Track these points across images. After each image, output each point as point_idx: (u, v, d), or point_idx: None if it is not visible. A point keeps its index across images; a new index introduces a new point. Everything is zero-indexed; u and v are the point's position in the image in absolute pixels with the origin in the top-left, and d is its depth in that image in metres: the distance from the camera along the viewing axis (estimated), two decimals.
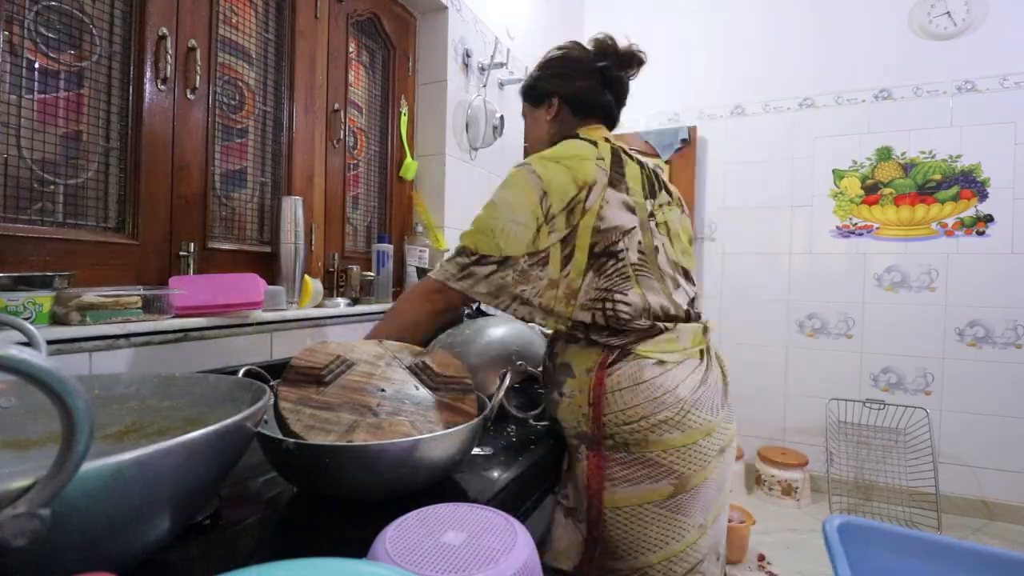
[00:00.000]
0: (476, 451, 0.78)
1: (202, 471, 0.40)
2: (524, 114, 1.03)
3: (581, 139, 0.89)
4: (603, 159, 0.85)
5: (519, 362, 0.90)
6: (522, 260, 0.80)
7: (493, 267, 0.81)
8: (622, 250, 0.81)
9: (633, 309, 0.81)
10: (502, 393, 0.69)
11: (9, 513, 0.28)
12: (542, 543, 0.87)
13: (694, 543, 0.80)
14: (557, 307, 0.82)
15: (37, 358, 0.26)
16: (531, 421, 0.90)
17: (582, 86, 0.95)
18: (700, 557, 0.80)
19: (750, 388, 2.77)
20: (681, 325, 0.84)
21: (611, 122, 0.98)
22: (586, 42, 0.97)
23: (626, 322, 0.81)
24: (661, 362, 0.80)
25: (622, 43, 0.95)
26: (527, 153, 1.03)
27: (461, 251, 0.84)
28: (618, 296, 0.81)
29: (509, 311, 0.83)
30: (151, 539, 0.38)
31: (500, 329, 1.00)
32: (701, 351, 0.85)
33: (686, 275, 0.91)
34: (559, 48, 0.99)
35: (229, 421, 0.40)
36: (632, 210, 0.84)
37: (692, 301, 0.91)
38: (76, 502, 0.31)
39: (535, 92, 0.99)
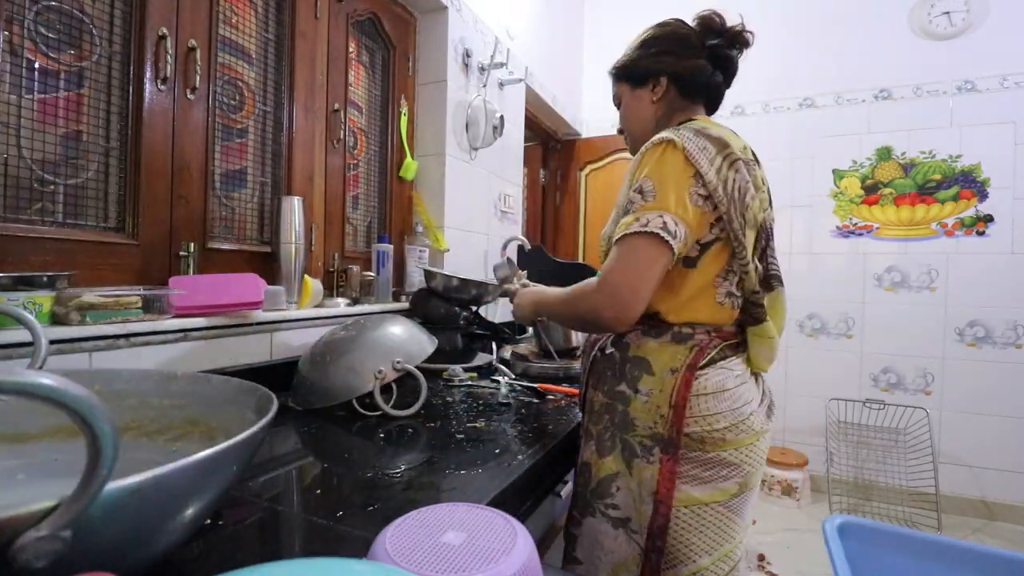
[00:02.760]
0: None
1: (216, 483, 0.40)
2: (619, 97, 0.97)
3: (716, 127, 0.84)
4: (741, 145, 0.84)
5: (397, 360, 0.94)
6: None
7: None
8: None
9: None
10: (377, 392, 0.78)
11: (32, 536, 0.28)
12: (542, 543, 0.87)
13: (740, 544, 0.81)
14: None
15: (67, 385, 0.26)
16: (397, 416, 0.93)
17: (691, 65, 0.89)
18: (739, 556, 0.82)
19: None
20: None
21: (714, 106, 0.96)
22: (690, 20, 0.94)
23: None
24: (741, 375, 0.81)
25: (731, 21, 0.91)
26: (631, 139, 0.97)
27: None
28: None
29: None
30: (163, 547, 0.39)
31: (381, 330, 1.03)
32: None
33: None
34: (661, 25, 0.94)
35: (247, 434, 0.40)
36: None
37: None
38: (93, 521, 0.31)
39: (637, 71, 0.92)
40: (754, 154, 0.88)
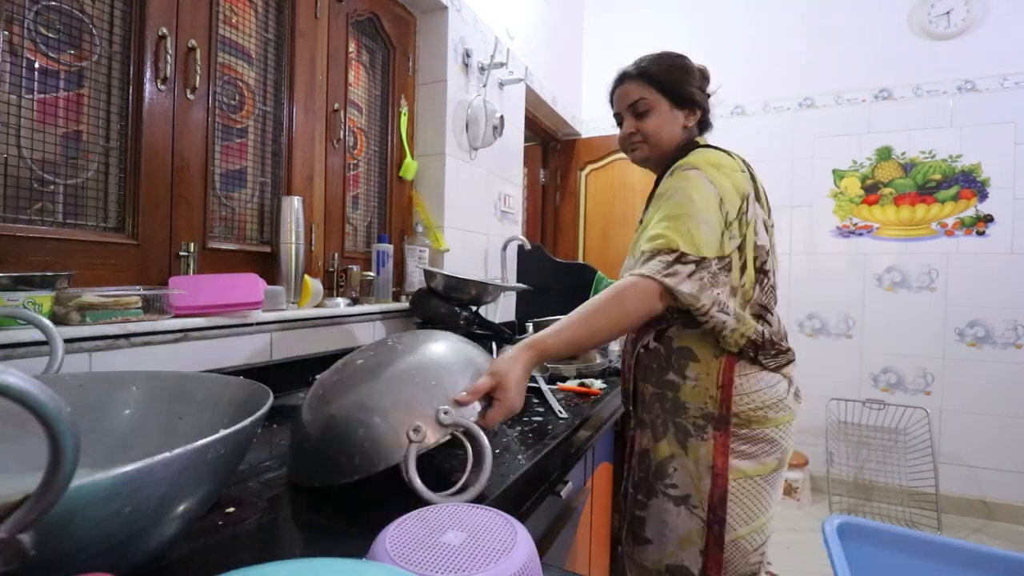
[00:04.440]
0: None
1: (199, 481, 0.39)
2: (650, 106, 0.96)
3: (719, 149, 0.93)
4: (745, 172, 0.90)
5: (443, 411, 0.59)
6: (713, 263, 0.81)
7: (692, 266, 0.79)
8: (769, 270, 0.89)
9: (775, 332, 0.90)
10: (412, 468, 0.56)
11: None
12: (542, 543, 0.87)
13: (771, 519, 0.89)
14: (743, 318, 0.84)
15: (23, 381, 0.26)
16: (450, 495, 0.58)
17: (707, 107, 1.00)
18: (770, 532, 0.90)
19: None
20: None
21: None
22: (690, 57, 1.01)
23: (772, 345, 0.87)
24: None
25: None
26: (652, 150, 0.98)
27: (658, 251, 0.80)
28: (769, 316, 0.89)
29: (707, 317, 0.81)
30: (149, 548, 0.38)
31: (416, 354, 0.68)
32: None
33: None
34: (684, 58, 0.99)
35: (218, 436, 0.39)
36: (767, 228, 0.90)
37: None
38: (62, 522, 0.31)
39: (683, 94, 0.96)
40: (750, 167, 0.96)
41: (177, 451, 0.35)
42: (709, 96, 1.00)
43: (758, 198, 0.89)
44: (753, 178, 0.90)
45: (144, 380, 0.60)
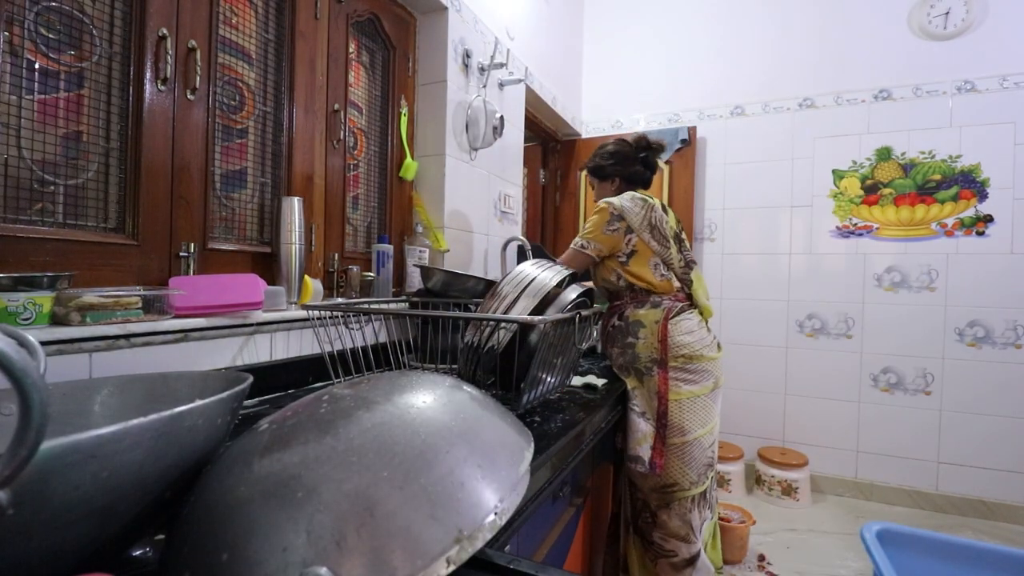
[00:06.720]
0: None
1: (175, 451, 0.39)
2: (592, 183, 1.67)
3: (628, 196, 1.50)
4: (643, 207, 1.47)
5: (462, 531, 0.33)
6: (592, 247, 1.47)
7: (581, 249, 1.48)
8: (670, 248, 1.47)
9: (669, 286, 1.47)
10: None
11: None
12: (542, 544, 0.87)
13: (716, 426, 1.40)
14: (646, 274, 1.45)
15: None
16: None
17: (633, 170, 1.58)
18: (715, 436, 1.40)
19: (750, 388, 2.77)
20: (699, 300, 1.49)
21: (647, 185, 1.62)
22: (628, 137, 1.62)
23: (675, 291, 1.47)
24: (699, 322, 1.45)
25: (652, 139, 1.59)
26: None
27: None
28: (675, 275, 1.48)
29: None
30: (135, 517, 0.38)
31: (397, 422, 0.39)
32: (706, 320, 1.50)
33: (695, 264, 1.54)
34: (614, 144, 1.61)
35: (204, 402, 0.40)
36: (662, 233, 1.47)
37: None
38: (48, 477, 0.31)
39: (603, 173, 1.61)
40: (663, 204, 1.54)
41: (152, 416, 0.35)
42: (642, 154, 1.57)
43: (651, 218, 1.44)
44: (652, 209, 1.46)
45: (126, 383, 0.60)
